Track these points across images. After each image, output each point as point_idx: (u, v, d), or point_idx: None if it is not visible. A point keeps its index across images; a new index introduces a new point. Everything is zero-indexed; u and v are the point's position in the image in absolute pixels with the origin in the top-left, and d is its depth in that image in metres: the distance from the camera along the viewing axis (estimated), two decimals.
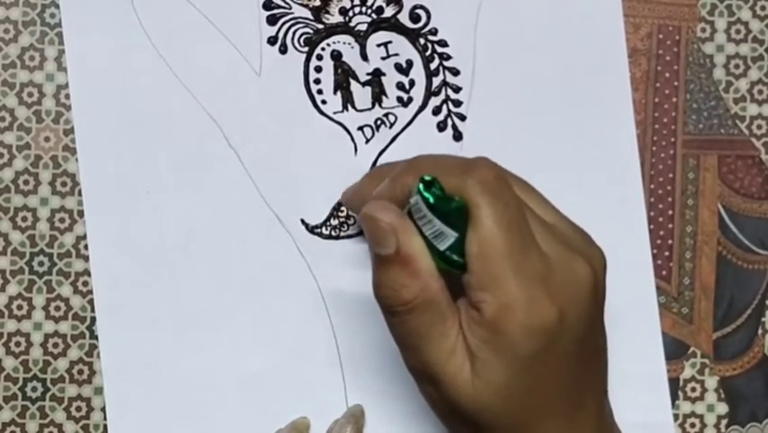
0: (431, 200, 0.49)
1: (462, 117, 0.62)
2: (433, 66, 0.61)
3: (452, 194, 0.49)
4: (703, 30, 0.63)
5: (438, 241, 0.50)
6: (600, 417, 0.53)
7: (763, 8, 0.63)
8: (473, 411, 0.50)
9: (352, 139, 0.61)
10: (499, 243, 0.49)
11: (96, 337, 0.60)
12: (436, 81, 0.61)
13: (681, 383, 0.62)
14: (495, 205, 0.49)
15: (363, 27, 0.61)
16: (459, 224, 0.49)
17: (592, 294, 0.51)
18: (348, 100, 0.61)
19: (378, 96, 0.61)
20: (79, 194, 0.60)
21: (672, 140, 0.62)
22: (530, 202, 0.52)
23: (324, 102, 0.61)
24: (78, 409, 0.60)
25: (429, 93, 0.61)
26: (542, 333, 0.49)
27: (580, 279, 0.50)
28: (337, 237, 0.61)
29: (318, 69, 0.61)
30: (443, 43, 0.61)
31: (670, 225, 0.62)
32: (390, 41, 0.61)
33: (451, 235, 0.49)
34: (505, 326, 0.49)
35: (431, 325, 0.50)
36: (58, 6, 0.61)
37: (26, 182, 0.61)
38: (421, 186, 0.49)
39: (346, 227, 0.61)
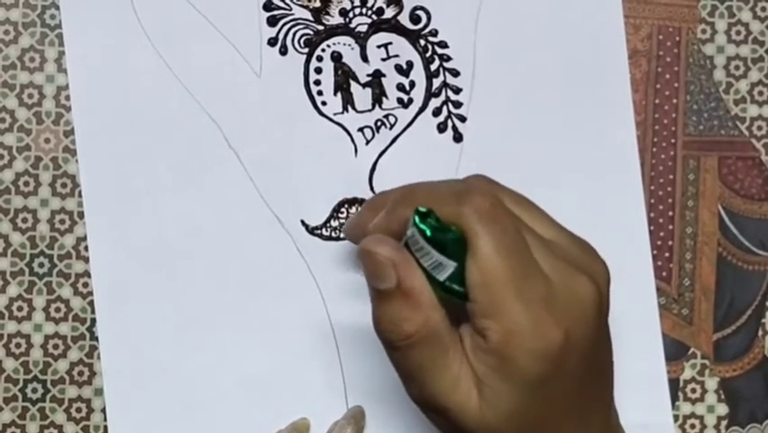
0: (427, 232, 0.49)
1: (463, 119, 0.61)
2: (433, 67, 0.61)
3: (449, 223, 0.49)
4: (703, 31, 0.63)
5: (437, 272, 0.49)
6: (606, 428, 0.53)
7: (763, 9, 0.63)
8: None
9: (353, 140, 0.61)
10: (500, 270, 0.48)
11: (97, 339, 0.60)
12: (436, 82, 0.61)
13: (682, 384, 0.62)
14: (492, 232, 0.48)
15: (363, 28, 0.61)
16: (457, 253, 0.49)
17: (597, 312, 0.50)
18: (348, 101, 0.61)
19: (378, 97, 0.61)
20: (79, 195, 0.60)
21: (673, 141, 0.62)
22: (529, 219, 0.51)
23: (324, 103, 0.61)
24: (79, 410, 0.60)
25: (429, 94, 0.61)
26: (548, 356, 0.48)
27: (584, 298, 0.50)
28: (337, 239, 0.61)
29: (318, 71, 0.61)
30: (444, 44, 0.61)
31: (670, 227, 0.62)
32: (391, 43, 0.61)
33: (450, 266, 0.49)
34: (511, 352, 0.48)
35: (434, 357, 0.49)
36: (58, 8, 0.60)
37: (26, 183, 0.61)
38: (416, 218, 0.49)
39: None
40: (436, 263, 0.49)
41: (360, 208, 0.58)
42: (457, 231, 0.49)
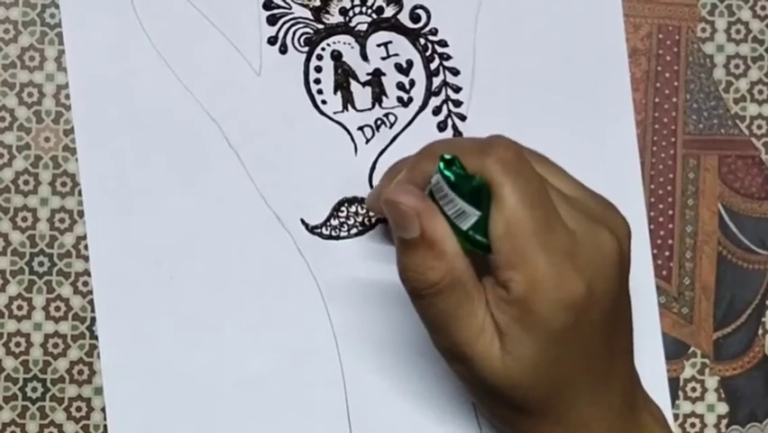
0: (452, 178, 0.49)
1: (463, 117, 0.62)
2: (433, 66, 0.61)
3: (473, 173, 0.49)
4: (703, 30, 0.63)
5: (461, 220, 0.49)
6: (627, 388, 0.53)
7: (763, 8, 0.63)
8: (505, 388, 0.50)
9: (352, 139, 0.61)
10: (524, 220, 0.49)
11: (96, 338, 0.60)
12: (436, 81, 0.61)
13: (682, 383, 0.62)
14: (517, 182, 0.49)
15: (363, 27, 0.61)
16: (481, 202, 0.49)
17: (618, 265, 0.51)
18: (348, 100, 0.61)
19: (378, 96, 0.61)
20: (79, 194, 0.60)
21: (673, 140, 0.62)
22: (549, 176, 0.52)
23: (324, 102, 0.61)
24: (78, 409, 0.60)
25: (429, 93, 0.61)
26: (571, 307, 0.49)
27: (606, 251, 0.50)
28: (337, 237, 0.61)
29: (318, 69, 0.61)
30: (444, 43, 0.61)
31: (670, 225, 0.62)
32: (390, 42, 0.61)
33: (473, 214, 0.49)
34: (534, 303, 0.49)
35: (458, 305, 0.50)
36: (58, 6, 0.61)
37: (26, 182, 0.61)
38: (441, 164, 0.49)
39: (346, 228, 0.61)
40: (460, 212, 0.49)
41: (381, 177, 0.58)
42: (481, 179, 0.49)
